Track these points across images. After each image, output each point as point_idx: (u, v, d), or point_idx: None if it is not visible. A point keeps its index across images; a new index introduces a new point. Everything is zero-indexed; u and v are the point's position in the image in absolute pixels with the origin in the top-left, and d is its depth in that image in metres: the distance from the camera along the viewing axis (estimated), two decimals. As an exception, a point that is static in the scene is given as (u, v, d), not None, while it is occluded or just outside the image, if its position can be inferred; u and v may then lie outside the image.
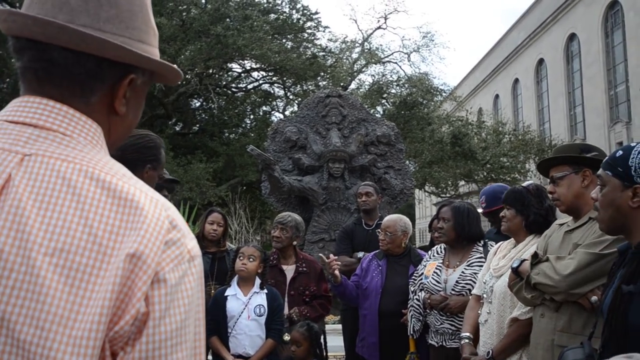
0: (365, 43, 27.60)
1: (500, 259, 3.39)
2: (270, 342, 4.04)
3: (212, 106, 23.30)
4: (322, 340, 4.39)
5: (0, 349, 0.78)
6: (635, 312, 1.83)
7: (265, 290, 4.12)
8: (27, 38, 0.92)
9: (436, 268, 4.00)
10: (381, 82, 24.53)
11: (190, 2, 20.68)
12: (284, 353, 4.22)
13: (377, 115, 16.58)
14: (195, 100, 24.78)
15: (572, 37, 34.08)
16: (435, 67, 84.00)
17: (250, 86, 24.90)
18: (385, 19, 28.67)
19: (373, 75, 26.92)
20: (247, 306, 4.02)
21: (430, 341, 3.96)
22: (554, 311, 2.75)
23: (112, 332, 0.81)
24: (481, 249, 3.99)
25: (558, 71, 35.49)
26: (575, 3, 33.00)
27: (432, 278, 3.95)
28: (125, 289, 0.81)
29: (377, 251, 4.62)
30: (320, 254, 4.51)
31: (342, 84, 21.78)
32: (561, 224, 3.00)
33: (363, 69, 26.32)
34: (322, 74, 22.19)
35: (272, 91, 25.05)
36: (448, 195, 24.13)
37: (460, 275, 3.89)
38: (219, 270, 4.77)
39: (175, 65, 1.06)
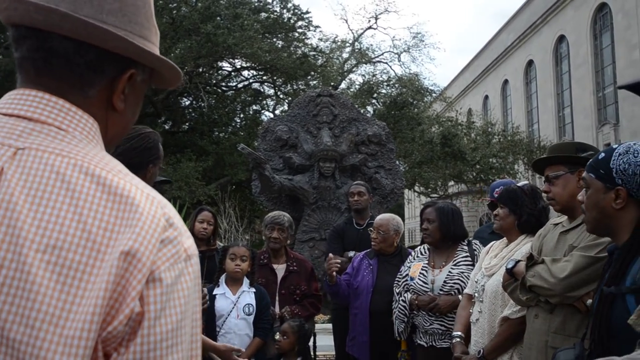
0: (356, 43, 27.64)
1: (492, 258, 3.40)
2: (258, 340, 4.05)
3: (202, 105, 23.20)
4: (311, 341, 4.38)
5: None
6: (617, 314, 1.84)
7: (254, 289, 4.12)
8: (27, 26, 0.90)
9: (422, 269, 4.00)
10: (371, 82, 24.53)
11: (181, 0, 20.60)
12: (272, 350, 4.22)
13: (367, 115, 16.61)
14: (185, 99, 24.69)
15: (561, 38, 34.28)
16: (426, 68, 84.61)
17: (240, 85, 24.84)
18: (376, 19, 28.74)
19: (363, 75, 26.93)
20: (236, 305, 4.01)
21: (419, 341, 3.95)
22: (548, 313, 2.74)
23: (105, 333, 0.78)
24: (466, 247, 4.02)
25: (547, 73, 35.69)
26: (565, 5, 33.21)
27: (419, 279, 3.95)
28: (119, 287, 0.79)
29: (368, 250, 4.62)
30: (331, 254, 4.49)
31: (332, 84, 21.77)
32: (556, 224, 2.99)
33: (353, 69, 26.35)
34: (313, 73, 22.17)
35: (262, 90, 24.99)
36: (437, 195, 24.20)
37: (448, 275, 3.90)
38: (208, 269, 4.75)
39: (174, 64, 1.04)
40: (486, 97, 45.18)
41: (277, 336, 4.23)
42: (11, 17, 0.91)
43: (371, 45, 34.86)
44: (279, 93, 24.35)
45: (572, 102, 33.17)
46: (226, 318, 3.98)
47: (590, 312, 2.17)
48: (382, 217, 4.62)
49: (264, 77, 23.70)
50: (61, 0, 0.89)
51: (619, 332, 1.82)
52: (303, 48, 22.77)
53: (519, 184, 3.56)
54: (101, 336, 0.78)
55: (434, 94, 27.39)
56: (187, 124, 24.84)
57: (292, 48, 22.21)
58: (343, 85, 25.05)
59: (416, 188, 24.48)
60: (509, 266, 2.90)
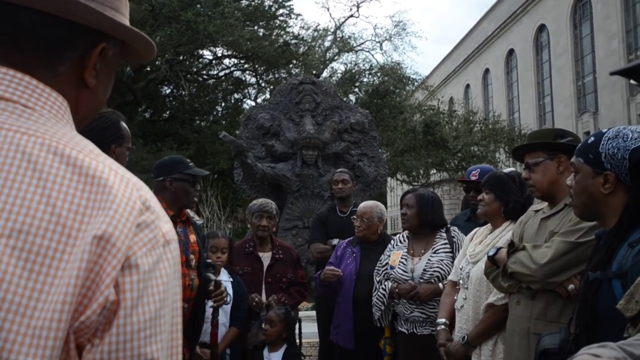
0: (338, 31, 27.54)
1: (476, 244, 3.39)
2: (234, 330, 4.06)
3: (183, 93, 23.06)
4: (297, 328, 4.37)
5: None
6: (603, 299, 1.84)
7: (231, 279, 4.11)
8: None
9: (401, 257, 3.99)
10: (353, 71, 24.51)
11: (161, -13, 20.37)
12: (259, 339, 4.20)
13: (350, 103, 16.56)
14: (166, 87, 24.49)
15: (542, 28, 34.47)
16: (408, 56, 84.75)
17: (221, 73, 24.67)
18: (358, 7, 28.63)
19: (345, 64, 26.92)
20: None
21: (400, 329, 3.94)
22: (529, 299, 2.74)
23: (78, 323, 0.73)
24: (444, 234, 4.01)
25: (528, 62, 35.90)
26: (545, -6, 33.36)
27: (399, 268, 3.94)
28: (92, 274, 0.73)
29: (351, 238, 4.60)
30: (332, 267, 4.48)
31: (314, 72, 21.71)
32: (537, 210, 2.99)
33: (335, 57, 26.28)
34: (295, 61, 22.09)
35: (243, 79, 24.86)
36: (419, 184, 24.29)
37: (427, 263, 3.89)
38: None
39: (147, 37, 0.98)
40: (467, 85, 45.35)
41: (265, 325, 4.21)
42: None
43: (353, 33, 34.77)
44: (260, 81, 24.23)
45: (552, 90, 33.42)
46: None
47: (576, 297, 2.18)
48: (366, 204, 4.61)
49: (246, 66, 23.58)
50: None
51: (605, 317, 1.82)
52: (285, 36, 22.68)
53: (505, 171, 3.55)
54: (73, 327, 0.73)
55: (416, 83, 27.43)
56: (167, 112, 24.65)
57: (273, 36, 22.10)
58: (325, 74, 24.99)
59: (398, 176, 24.58)
60: (491, 254, 2.90)
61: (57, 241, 0.74)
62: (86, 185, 0.77)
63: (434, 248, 3.94)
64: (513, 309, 2.84)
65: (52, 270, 0.73)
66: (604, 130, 1.99)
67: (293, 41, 22.87)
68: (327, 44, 26.78)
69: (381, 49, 35.47)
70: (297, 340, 4.40)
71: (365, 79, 24.40)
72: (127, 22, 0.96)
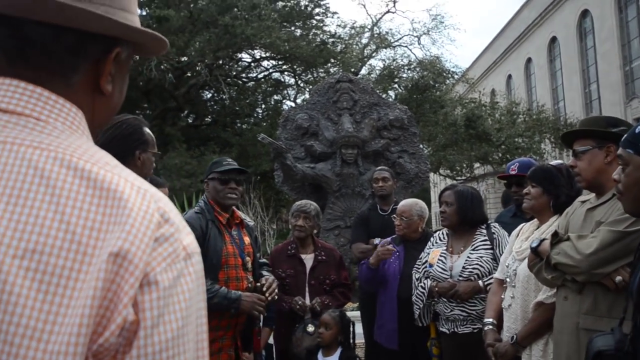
0: (375, 28, 27.37)
1: (523, 241, 3.27)
2: (268, 330, 4.09)
3: (224, 97, 23.26)
4: (351, 329, 4.30)
5: None
6: None
7: None
8: None
9: (440, 255, 3.90)
10: (392, 67, 24.30)
11: (197, -7, 20.60)
12: (304, 343, 4.15)
13: (389, 99, 16.44)
14: (207, 92, 24.76)
15: (585, 13, 33.56)
16: (446, 50, 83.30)
17: (260, 75, 24.83)
18: (394, 2, 28.48)
19: (384, 60, 26.69)
20: None
21: (441, 328, 3.87)
22: (577, 293, 2.62)
23: (96, 345, 0.69)
24: (484, 231, 3.90)
25: (571, 49, 35.01)
26: (587, -21, 32.51)
27: (438, 266, 3.86)
28: (109, 294, 0.70)
29: (394, 237, 4.53)
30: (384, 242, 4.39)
31: (352, 70, 21.62)
32: (583, 201, 2.86)
33: (373, 54, 26.12)
34: (332, 60, 22.06)
35: (282, 80, 24.95)
36: (463, 178, 23.96)
37: (466, 260, 3.80)
38: None
39: (160, 34, 0.94)
40: (509, 76, 44.53)
41: (310, 328, 4.17)
42: None
43: (390, 29, 34.42)
44: (299, 82, 24.29)
45: (599, 77, 32.51)
46: None
47: (628, 292, 2.07)
48: (405, 202, 4.53)
49: (284, 67, 23.65)
50: None
51: None
52: (321, 35, 22.66)
53: (552, 163, 3.42)
54: (92, 349, 0.69)
55: (456, 76, 27.04)
56: (209, 116, 24.93)
57: (310, 36, 22.12)
58: (363, 71, 24.87)
59: (441, 171, 24.28)
60: (533, 245, 2.78)
61: (73, 260, 0.70)
62: (101, 199, 0.74)
63: (473, 245, 3.85)
64: (560, 304, 2.72)
65: (68, 291, 0.69)
66: None
67: (330, 40, 22.83)
68: (364, 41, 26.67)
69: (419, 44, 34.98)
70: (352, 343, 4.33)
71: (404, 75, 24.18)
72: (137, 20, 0.92)
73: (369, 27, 27.45)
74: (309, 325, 4.19)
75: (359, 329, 5.39)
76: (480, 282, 3.71)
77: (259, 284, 3.63)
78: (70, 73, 0.84)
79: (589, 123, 2.89)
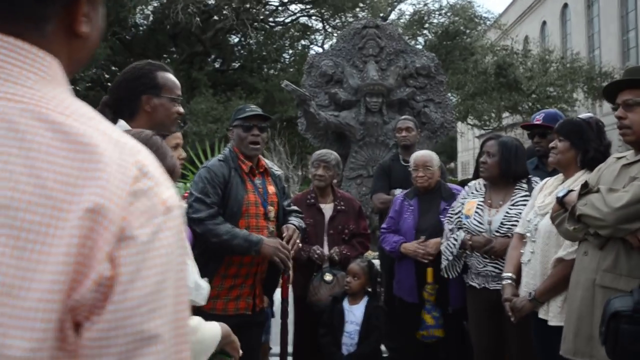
0: (406, -30, 26.58)
1: (546, 196, 3.18)
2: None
3: (250, 42, 23.01)
4: (378, 279, 4.31)
5: None
6: None
7: None
8: None
9: (477, 207, 3.76)
10: (422, 12, 23.68)
11: None
12: (322, 294, 4.17)
13: (418, 46, 16.11)
14: (234, 36, 24.50)
15: (626, -44, 32.19)
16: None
17: (287, 20, 24.44)
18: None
19: (414, 5, 26.00)
20: None
21: (471, 282, 3.78)
22: (598, 249, 2.55)
23: (72, 301, 0.68)
24: (525, 186, 3.73)
25: (610, -6, 33.75)
26: None
27: (474, 218, 3.72)
28: (84, 250, 0.68)
29: (407, 191, 4.46)
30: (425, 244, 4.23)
31: (381, 15, 21.15)
32: (619, 157, 2.74)
33: (403, -2, 25.45)
34: (361, 4, 21.56)
35: (310, 24, 24.53)
36: (491, 128, 23.60)
37: (505, 215, 3.65)
38: None
39: None
40: (544, 23, 43.19)
41: (328, 277, 4.18)
42: None
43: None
44: (327, 27, 23.85)
45: (638, 24, 31.37)
46: None
47: None
48: (425, 153, 4.43)
49: (312, 11, 23.21)
50: None
51: None
52: (350, -23, 22.08)
53: (581, 116, 3.27)
54: (68, 305, 0.68)
55: (487, 22, 26.22)
56: (236, 61, 24.74)
57: (338, -22, 21.57)
58: (393, 16, 24.29)
59: (469, 120, 23.92)
60: (560, 194, 2.69)
61: (46, 215, 0.68)
62: (76, 153, 0.71)
63: (512, 200, 3.69)
64: (580, 259, 2.66)
65: (41, 247, 0.67)
66: None
67: (359, -17, 22.26)
68: (394, -17, 25.95)
69: (451, -13, 34.01)
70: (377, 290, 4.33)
71: (435, 20, 23.55)
72: None
73: (400, -31, 26.67)
74: (327, 274, 4.21)
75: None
76: (514, 235, 3.62)
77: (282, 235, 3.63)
78: (42, 23, 0.79)
79: (638, 72, 2.70)
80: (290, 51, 24.50)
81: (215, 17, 21.92)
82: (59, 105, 0.75)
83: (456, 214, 3.89)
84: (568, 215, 2.60)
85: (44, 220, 0.68)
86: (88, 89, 20.20)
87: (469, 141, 46.43)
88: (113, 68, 20.89)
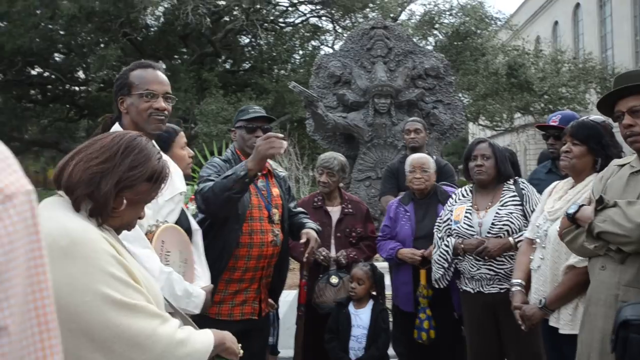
0: (416, -30, 26.48)
1: (555, 200, 3.10)
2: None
3: (261, 42, 23.01)
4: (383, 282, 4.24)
5: None
6: None
7: None
8: None
9: (466, 211, 3.73)
10: (433, 12, 23.55)
11: None
12: (327, 297, 4.12)
13: (428, 47, 16.01)
14: (244, 37, 24.50)
15: (639, -45, 31.91)
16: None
17: (297, 20, 24.41)
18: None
19: (424, 5, 25.90)
20: None
21: (464, 288, 3.73)
22: (618, 263, 2.43)
23: None
24: (513, 187, 3.73)
25: (623, -6, 33.46)
26: None
27: (464, 222, 3.69)
28: None
29: (401, 196, 4.38)
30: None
31: (391, 15, 21.05)
32: (622, 165, 2.64)
33: (414, -1, 25.32)
34: (371, 5, 21.48)
35: (320, 25, 24.48)
36: (503, 129, 23.43)
37: (495, 216, 3.63)
38: None
39: None
40: (556, 23, 42.90)
41: (334, 280, 4.14)
42: None
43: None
44: (337, 27, 23.79)
45: (651, 24, 31.12)
46: None
47: None
48: (420, 155, 4.36)
49: (322, 12, 23.16)
50: None
51: None
52: (360, -22, 21.99)
53: (591, 119, 3.17)
54: None
55: (499, 22, 26.01)
56: (246, 62, 24.74)
57: (348, -21, 21.49)
58: (403, 17, 24.15)
59: (481, 121, 23.76)
60: (571, 211, 2.58)
61: None
62: None
63: (501, 201, 3.68)
64: (596, 275, 2.54)
65: None
66: None
67: (369, -17, 22.16)
68: (404, -17, 25.81)
69: (463, -13, 33.82)
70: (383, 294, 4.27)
71: (445, 21, 23.40)
72: None
73: (410, -31, 26.53)
74: (333, 276, 4.17)
75: (387, 280, 5.36)
76: (510, 238, 3.56)
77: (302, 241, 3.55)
78: None
79: (637, 77, 2.58)
80: (301, 52, 24.45)
81: (226, 18, 21.93)
82: None
83: (445, 221, 3.85)
84: (586, 233, 2.49)
85: None
86: (100, 90, 20.28)
87: (480, 142, 46.18)
88: (124, 69, 20.94)
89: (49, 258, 1.46)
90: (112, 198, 1.65)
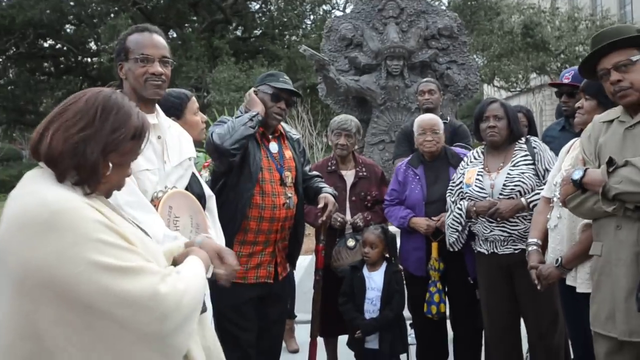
0: None
1: (573, 158, 3.03)
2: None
3: (271, 8, 22.78)
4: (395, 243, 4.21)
5: None
6: None
7: None
8: None
9: (477, 174, 3.66)
10: (446, -29, 23.13)
11: None
12: (344, 257, 4.12)
13: (441, 7, 15.73)
14: (254, 3, 24.27)
15: None
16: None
17: (308, -16, 24.08)
18: None
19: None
20: None
21: (479, 249, 3.69)
22: (635, 221, 2.38)
23: None
24: (524, 146, 3.65)
25: (642, -53, 32.55)
26: None
27: (475, 185, 3.63)
28: None
29: (410, 158, 4.28)
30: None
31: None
32: (609, 121, 2.60)
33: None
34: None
35: (331, -13, 24.15)
36: (518, 89, 23.14)
37: (507, 177, 3.56)
38: None
39: None
40: (573, -21, 41.98)
41: (351, 243, 4.13)
42: None
43: None
44: (348, -10, 23.47)
45: (670, -22, 30.30)
46: None
47: None
48: (430, 116, 4.24)
49: (332, -26, 22.84)
50: None
51: None
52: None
53: None
54: None
55: (514, -20, 25.60)
56: (257, 29, 24.54)
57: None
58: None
59: (496, 82, 23.49)
60: (577, 177, 2.51)
61: None
62: None
63: (513, 161, 3.61)
64: (612, 235, 2.48)
65: None
66: None
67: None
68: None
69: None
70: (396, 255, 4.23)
71: (459, -21, 23.00)
72: None
73: None
74: (350, 239, 4.15)
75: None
76: (522, 199, 3.49)
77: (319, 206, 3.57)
78: None
79: (620, 32, 2.57)
80: (312, 17, 24.21)
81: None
82: None
83: (457, 185, 3.79)
84: (601, 197, 2.44)
85: None
86: (111, 60, 20.26)
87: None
88: (122, 34, 20.77)
89: (28, 237, 1.42)
90: (101, 165, 1.58)
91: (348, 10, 22.09)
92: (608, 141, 2.55)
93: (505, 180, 3.56)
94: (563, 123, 4.23)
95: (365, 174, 4.41)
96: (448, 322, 4.18)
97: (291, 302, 4.94)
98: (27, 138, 29.16)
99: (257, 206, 3.39)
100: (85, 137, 1.56)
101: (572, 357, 3.54)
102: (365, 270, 3.99)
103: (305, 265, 6.10)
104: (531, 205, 3.43)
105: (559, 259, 2.93)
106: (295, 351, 4.98)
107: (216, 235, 2.67)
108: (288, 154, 3.59)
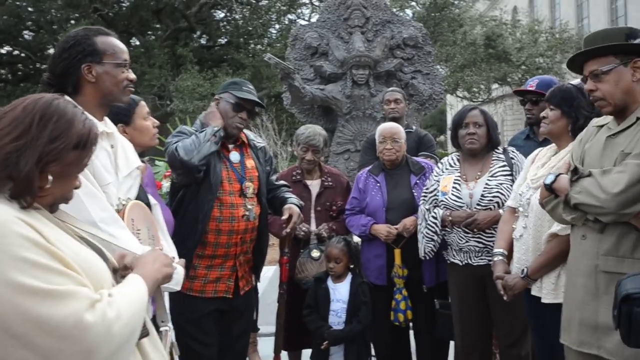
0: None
1: (538, 168, 3.04)
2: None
3: (236, 17, 22.66)
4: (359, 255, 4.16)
5: None
6: None
7: None
8: None
9: (454, 182, 3.63)
10: (410, -17, 23.37)
11: None
12: (309, 271, 4.06)
13: (406, 17, 15.84)
14: (219, 11, 24.11)
15: None
16: (468, -35, 79.97)
17: (274, -7, 24.03)
18: None
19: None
20: None
21: (452, 260, 3.65)
22: (598, 232, 2.39)
23: None
24: (502, 156, 3.63)
25: (599, -38, 33.43)
26: None
27: (452, 194, 3.58)
28: None
29: (371, 166, 4.26)
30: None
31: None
32: (600, 126, 2.57)
33: (392, -31, 25.07)
34: (348, -24, 21.20)
35: (296, -3, 24.15)
36: (481, 100, 23.46)
37: (485, 187, 3.53)
38: None
39: None
40: (533, -7, 42.88)
41: (315, 254, 4.07)
42: None
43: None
44: (314, 0, 23.51)
45: (626, -7, 31.17)
46: None
47: None
48: (391, 125, 4.22)
49: (298, -17, 22.86)
50: None
51: None
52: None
53: (572, 82, 3.12)
54: None
55: (476, -7, 26.04)
56: (222, 37, 24.38)
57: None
58: (380, -12, 23.94)
59: (459, 93, 23.77)
60: (548, 181, 2.52)
61: None
62: None
63: (491, 171, 3.58)
64: (577, 244, 2.49)
65: None
66: None
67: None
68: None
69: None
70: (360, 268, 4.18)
71: (423, -9, 23.26)
72: None
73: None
74: (314, 250, 4.10)
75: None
76: (500, 210, 3.44)
77: (283, 217, 3.51)
78: None
79: (604, 37, 2.50)
80: (277, 26, 24.12)
81: (200, -8, 21.54)
82: None
83: (431, 192, 3.74)
84: (563, 205, 2.44)
85: None
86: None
87: (458, 114, 46.27)
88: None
89: None
90: (36, 177, 1.47)
91: (314, 20, 22.23)
92: (592, 147, 2.53)
93: (484, 191, 3.52)
94: (528, 132, 4.25)
95: (330, 183, 4.36)
96: (411, 332, 4.15)
97: (255, 315, 4.85)
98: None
99: (215, 219, 3.31)
100: (19, 147, 1.46)
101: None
102: (329, 282, 3.92)
103: (269, 277, 6.01)
104: None
105: (525, 270, 2.92)
106: (259, 366, 4.88)
107: (168, 245, 2.57)
108: (250, 163, 3.51)
